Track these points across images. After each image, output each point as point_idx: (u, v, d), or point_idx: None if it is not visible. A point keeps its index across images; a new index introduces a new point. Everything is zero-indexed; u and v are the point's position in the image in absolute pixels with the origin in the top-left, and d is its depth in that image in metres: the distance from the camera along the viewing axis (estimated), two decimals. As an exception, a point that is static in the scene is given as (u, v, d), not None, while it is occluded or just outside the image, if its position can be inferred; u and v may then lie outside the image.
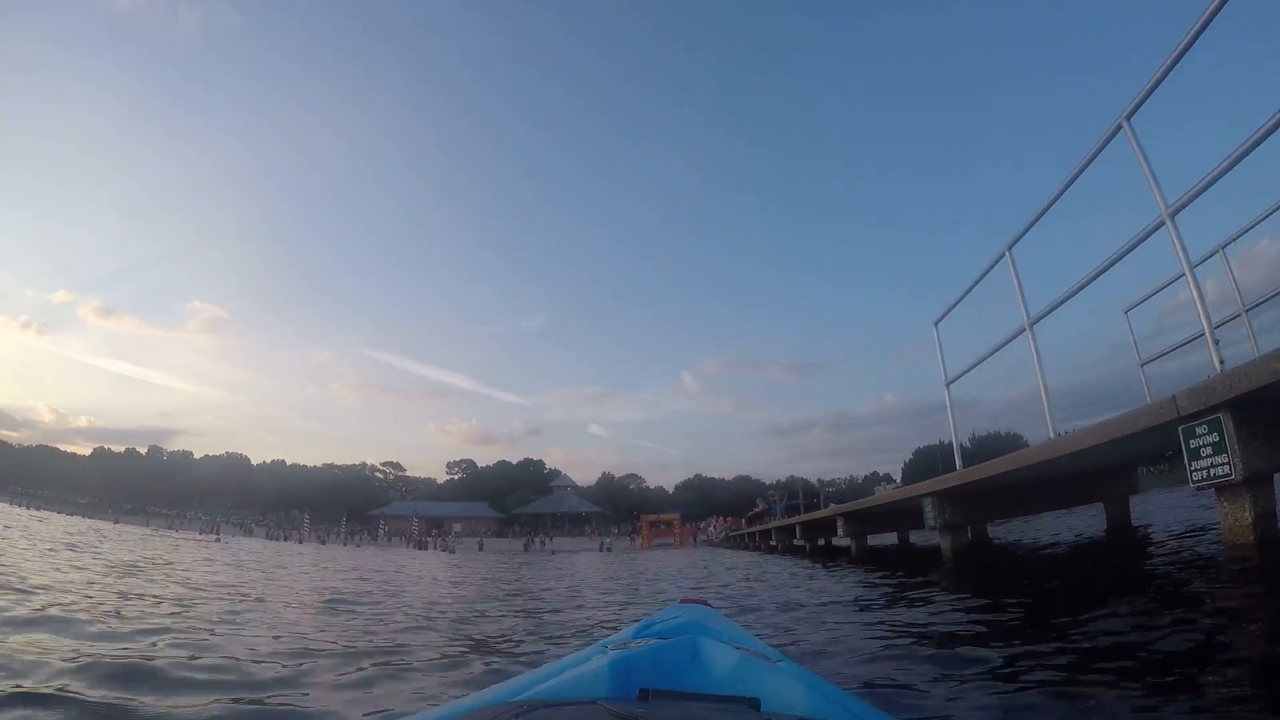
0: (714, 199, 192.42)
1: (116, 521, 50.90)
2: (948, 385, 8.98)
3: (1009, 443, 75.68)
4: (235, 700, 3.23)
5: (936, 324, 8.74)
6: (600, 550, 50.29)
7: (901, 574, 9.47)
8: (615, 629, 3.33)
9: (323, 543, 52.51)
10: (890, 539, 19.46)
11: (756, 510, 54.14)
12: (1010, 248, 7.29)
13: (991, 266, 7.60)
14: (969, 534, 10.43)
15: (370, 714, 3.19)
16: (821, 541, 23.09)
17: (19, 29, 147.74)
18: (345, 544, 52.84)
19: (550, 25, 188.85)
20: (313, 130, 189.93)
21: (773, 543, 31.53)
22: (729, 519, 64.33)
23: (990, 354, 7.85)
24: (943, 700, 2.82)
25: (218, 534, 44.94)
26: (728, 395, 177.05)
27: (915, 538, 19.13)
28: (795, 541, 27.63)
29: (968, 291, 8.08)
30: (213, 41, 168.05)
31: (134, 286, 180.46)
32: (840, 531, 16.82)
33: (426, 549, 49.90)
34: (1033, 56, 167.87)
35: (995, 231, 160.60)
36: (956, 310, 8.90)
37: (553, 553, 46.72)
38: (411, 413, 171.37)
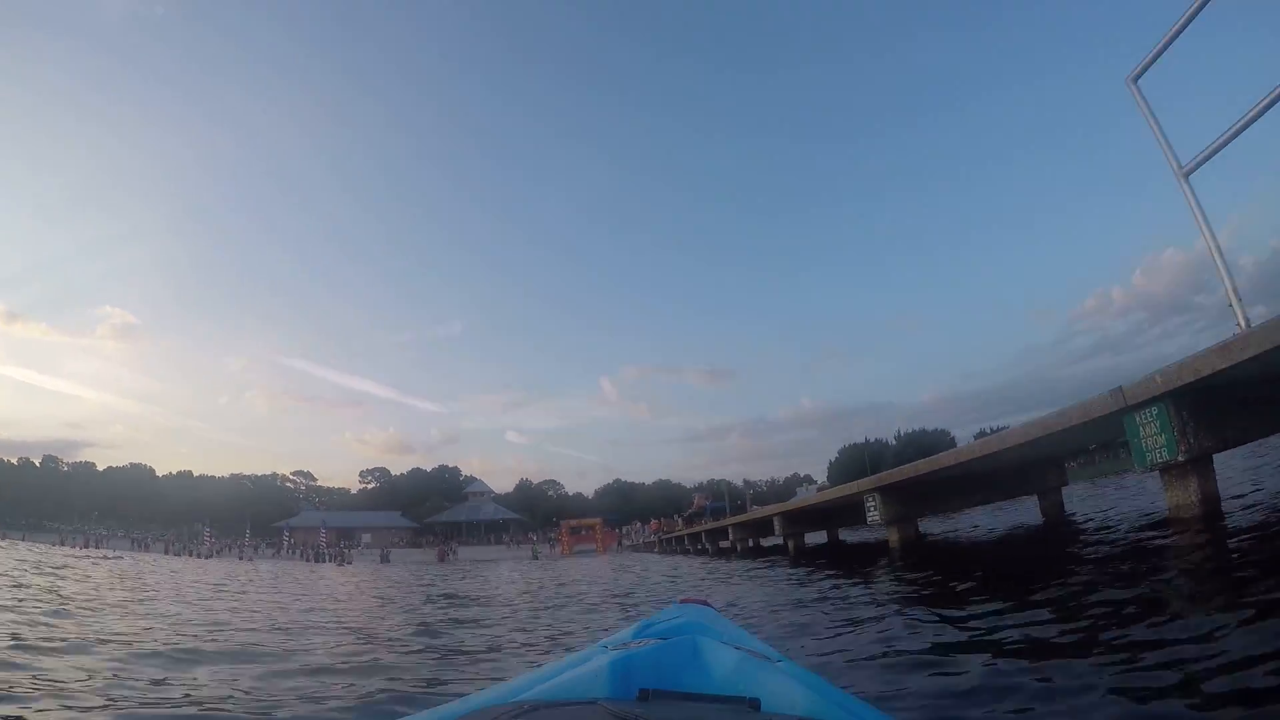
0: (631, 198, 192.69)
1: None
2: (1185, 176, 5.13)
3: (936, 438, 78.32)
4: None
5: (1134, 80, 5.59)
6: (533, 558, 48.57)
7: (862, 569, 9.60)
8: None
9: (203, 557, 49.91)
10: (821, 538, 19.90)
11: (695, 507, 49.94)
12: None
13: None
14: (917, 527, 10.88)
15: (370, 714, 3.29)
16: (751, 542, 23.66)
17: None
18: (241, 557, 51.04)
19: (462, 14, 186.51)
20: (223, 130, 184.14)
21: (702, 544, 31.98)
22: (663, 520, 61.22)
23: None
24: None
25: (94, 548, 43.13)
26: (646, 401, 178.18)
27: (845, 535, 19.83)
28: (723, 543, 28.17)
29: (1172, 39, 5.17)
30: (134, 29, 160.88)
31: (40, 289, 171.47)
32: (777, 530, 17.25)
33: (324, 561, 48.12)
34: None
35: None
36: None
37: (470, 563, 44.00)
38: (327, 422, 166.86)
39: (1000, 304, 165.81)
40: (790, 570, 11.54)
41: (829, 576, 9.16)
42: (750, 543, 23.34)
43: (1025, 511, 14.07)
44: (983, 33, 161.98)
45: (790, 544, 16.98)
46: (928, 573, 7.59)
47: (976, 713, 2.66)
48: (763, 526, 21.67)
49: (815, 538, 20.09)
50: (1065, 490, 11.97)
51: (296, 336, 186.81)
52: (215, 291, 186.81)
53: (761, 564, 15.10)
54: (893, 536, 10.41)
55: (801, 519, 17.32)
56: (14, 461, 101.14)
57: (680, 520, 48.56)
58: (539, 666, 1.84)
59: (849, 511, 15.42)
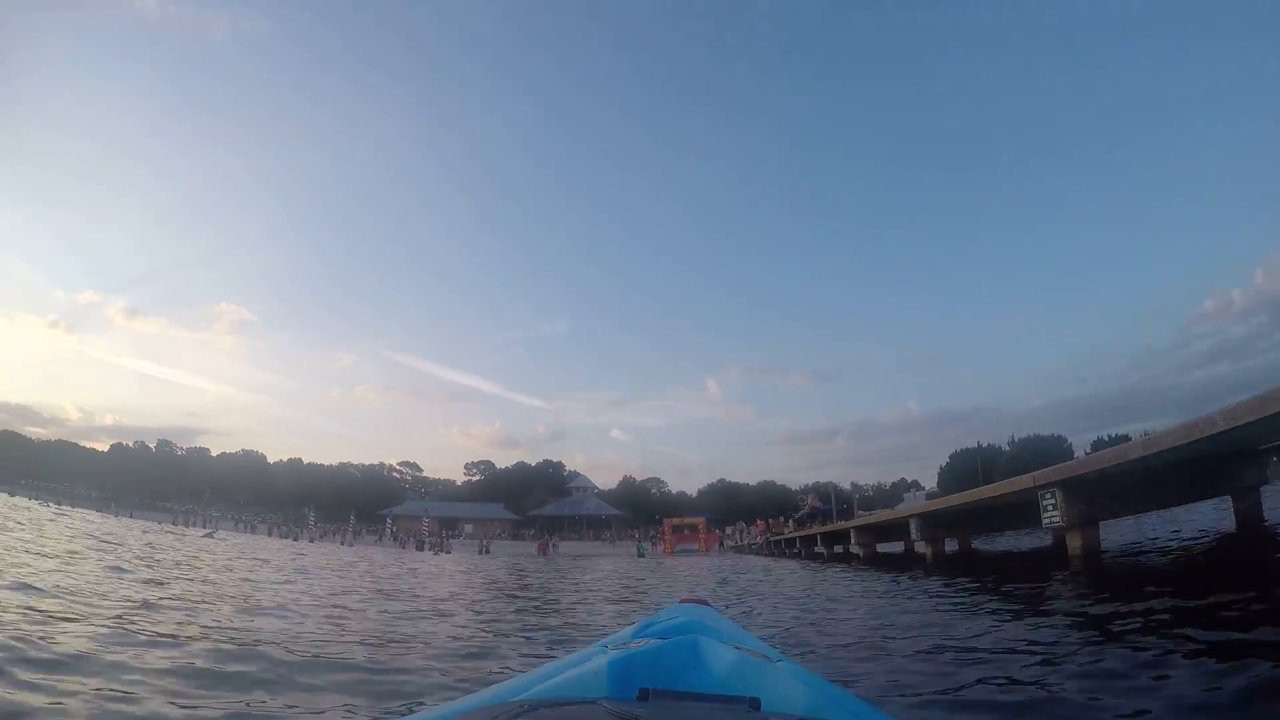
0: (739, 203, 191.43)
1: (119, 516, 52.27)
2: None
3: (1052, 445, 75.42)
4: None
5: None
6: (639, 556, 46.19)
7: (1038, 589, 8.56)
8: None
9: (308, 540, 52.21)
10: (953, 545, 18.27)
11: (808, 508, 46.21)
12: None
13: None
14: (1098, 533, 9.62)
15: (370, 714, 3.42)
16: (840, 548, 22.52)
17: (54, 30, 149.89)
18: (343, 543, 52.29)
19: (577, 29, 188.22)
20: (340, 134, 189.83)
21: (818, 548, 30.72)
22: (772, 521, 57.07)
23: None
24: None
25: (213, 531, 45.02)
26: (751, 402, 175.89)
27: (978, 542, 18.60)
28: (838, 549, 27.15)
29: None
30: (241, 47, 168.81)
31: (162, 288, 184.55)
32: (914, 534, 16.44)
33: (422, 549, 48.45)
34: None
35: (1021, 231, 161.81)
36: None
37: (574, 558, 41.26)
38: (435, 416, 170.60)
39: (1114, 304, 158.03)
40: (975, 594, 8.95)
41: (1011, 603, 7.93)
42: (840, 548, 22.59)
43: (1208, 516, 12.76)
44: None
45: (929, 551, 16.09)
46: (1156, 600, 5.83)
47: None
48: (885, 531, 20.76)
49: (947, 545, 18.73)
50: (1265, 489, 10.63)
51: (407, 333, 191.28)
52: (329, 290, 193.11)
53: (909, 578, 12.57)
54: (1074, 543, 9.18)
55: (941, 523, 16.24)
56: (131, 445, 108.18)
57: (791, 522, 46.06)
58: (539, 666, 1.87)
59: (993, 516, 14.46)
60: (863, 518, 26.81)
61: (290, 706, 3.66)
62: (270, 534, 56.77)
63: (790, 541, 38.59)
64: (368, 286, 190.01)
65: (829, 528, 30.65)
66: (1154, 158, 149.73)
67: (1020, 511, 10.40)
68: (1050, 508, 9.37)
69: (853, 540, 23.34)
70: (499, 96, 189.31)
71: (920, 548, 16.64)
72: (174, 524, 51.32)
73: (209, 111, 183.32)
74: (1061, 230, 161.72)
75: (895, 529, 19.31)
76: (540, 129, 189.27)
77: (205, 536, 34.53)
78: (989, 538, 19.15)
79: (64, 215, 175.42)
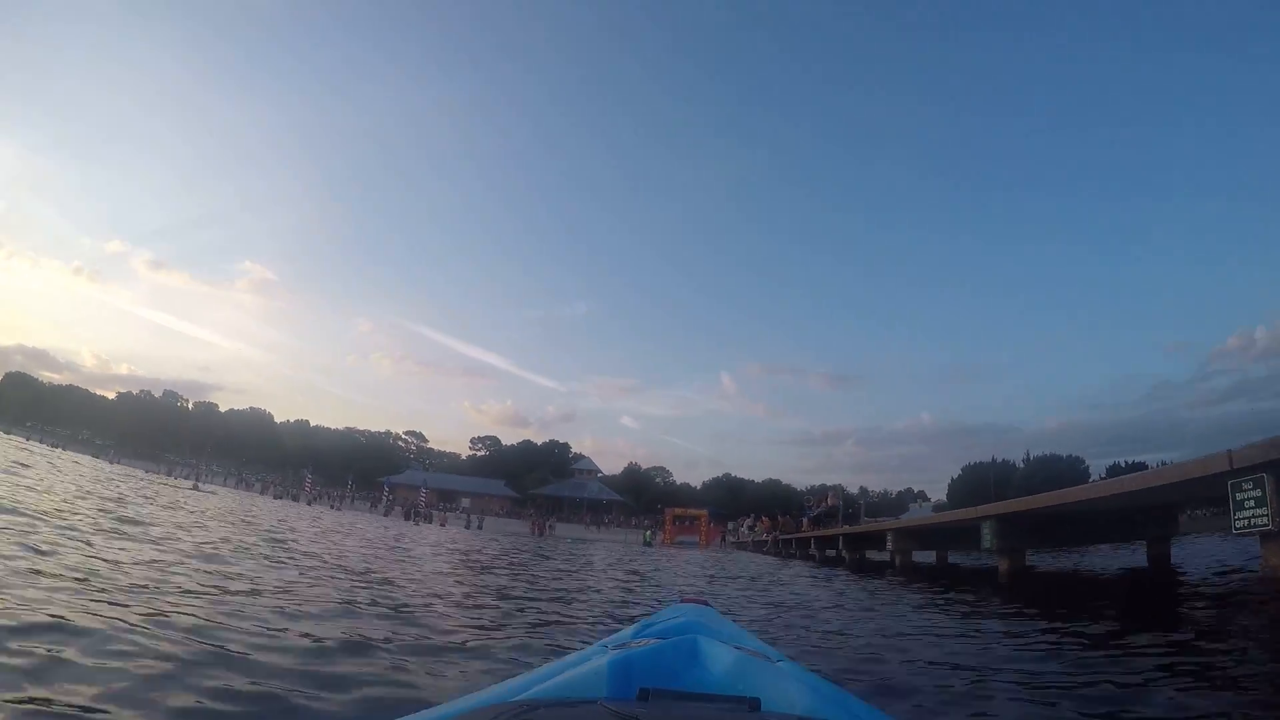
0: (774, 195, 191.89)
1: (113, 463, 52.84)
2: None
3: (1069, 465, 76.30)
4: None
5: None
6: (644, 544, 46.22)
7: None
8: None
9: (305, 502, 52.47)
10: (929, 557, 20.30)
11: (828, 506, 45.32)
12: None
13: None
14: (1024, 558, 11.44)
15: (370, 714, 3.45)
16: (839, 552, 23.90)
17: None
18: (333, 507, 53.76)
19: (602, 28, 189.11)
20: (373, 103, 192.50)
21: (811, 551, 31.09)
22: (782, 518, 53.04)
23: None
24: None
25: (197, 484, 43.76)
26: (764, 399, 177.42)
27: (953, 557, 20.23)
28: (829, 552, 27.82)
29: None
30: (273, 5, 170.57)
31: (187, 242, 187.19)
32: (889, 545, 17.78)
33: (410, 520, 48.11)
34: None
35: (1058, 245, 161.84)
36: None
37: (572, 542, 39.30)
38: (447, 389, 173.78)
39: (1135, 332, 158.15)
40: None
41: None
42: (839, 554, 23.22)
43: (1128, 557, 14.33)
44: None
45: (898, 560, 17.54)
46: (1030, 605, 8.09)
47: None
48: (872, 540, 22.00)
49: (923, 556, 20.04)
50: (1178, 542, 12.35)
51: (426, 304, 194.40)
52: (352, 256, 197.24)
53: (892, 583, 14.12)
54: (1002, 565, 11.00)
55: (913, 537, 17.79)
56: (137, 393, 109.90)
57: (806, 521, 43.98)
58: (539, 666, 1.89)
59: (962, 535, 15.81)
60: (847, 527, 27.34)
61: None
62: (264, 492, 57.09)
63: (804, 542, 35.94)
64: (390, 255, 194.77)
65: (829, 532, 29.47)
66: (1191, 193, 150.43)
67: (971, 535, 12.03)
68: (987, 535, 11.16)
69: (840, 546, 24.76)
70: (535, 75, 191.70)
71: (889, 558, 18.21)
72: (166, 475, 52.29)
73: (251, 67, 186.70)
74: (1093, 257, 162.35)
75: (874, 539, 20.62)
76: (575, 109, 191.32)
77: (191, 490, 34.87)
78: (966, 553, 20.58)
79: (93, 165, 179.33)
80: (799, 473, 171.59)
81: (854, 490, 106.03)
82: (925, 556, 20.19)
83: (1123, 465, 71.80)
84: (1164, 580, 10.16)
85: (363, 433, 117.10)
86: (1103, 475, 66.30)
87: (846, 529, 26.10)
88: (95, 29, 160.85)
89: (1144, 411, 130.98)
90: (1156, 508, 10.92)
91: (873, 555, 23.96)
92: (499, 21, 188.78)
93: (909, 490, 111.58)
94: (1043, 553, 15.81)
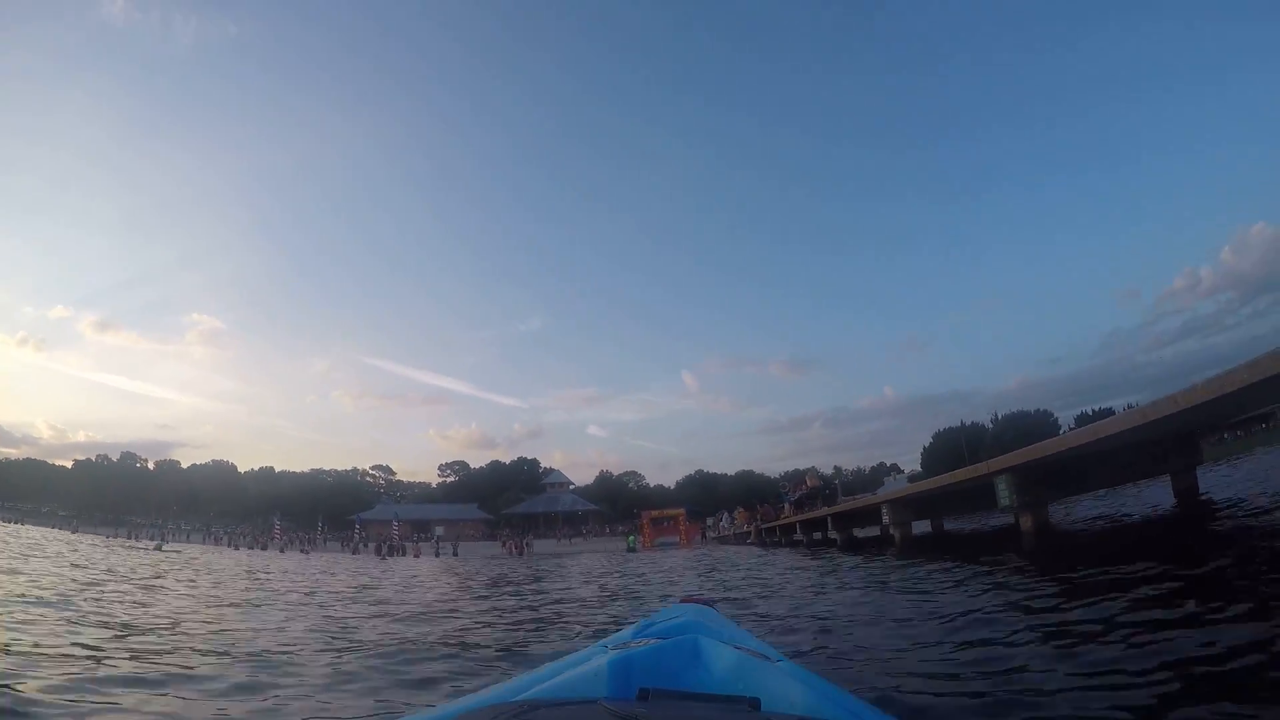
0: (714, 193, 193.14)
1: (75, 532, 51.96)
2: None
3: (1038, 420, 76.43)
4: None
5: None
6: (628, 550, 45.47)
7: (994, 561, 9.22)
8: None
9: (277, 550, 51.81)
10: (925, 527, 19.55)
11: (809, 489, 40.39)
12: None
13: None
14: (1048, 512, 10.72)
15: (371, 714, 3.42)
16: (826, 534, 23.22)
17: (17, 39, 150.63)
18: (303, 551, 53.12)
19: (539, 40, 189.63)
20: (307, 140, 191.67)
21: (797, 536, 30.81)
22: (761, 507, 50.90)
23: None
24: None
25: (160, 544, 42.86)
26: (728, 393, 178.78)
27: (950, 524, 19.64)
28: (817, 535, 27.52)
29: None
30: (207, 53, 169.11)
31: (131, 300, 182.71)
32: (885, 519, 17.23)
33: (382, 555, 46.29)
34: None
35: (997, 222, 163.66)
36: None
37: (555, 558, 36.88)
38: (410, 420, 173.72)
39: (1083, 285, 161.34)
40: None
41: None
42: (825, 534, 22.72)
43: (1152, 495, 13.76)
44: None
45: (897, 534, 16.98)
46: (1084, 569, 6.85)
47: None
48: (861, 517, 21.48)
49: (919, 527, 19.18)
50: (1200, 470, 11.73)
51: (380, 337, 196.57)
52: (299, 296, 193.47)
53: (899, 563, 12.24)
54: (1025, 523, 10.25)
55: (910, 507, 17.22)
56: (94, 459, 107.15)
57: (788, 506, 41.96)
58: (539, 666, 1.87)
59: (972, 496, 15.46)
60: (834, 506, 26.52)
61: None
62: (232, 545, 55.42)
63: (789, 528, 34.59)
64: (339, 292, 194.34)
65: (848, 506, 25.38)
66: (1117, 140, 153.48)
67: (985, 493, 11.28)
68: (1003, 492, 10.42)
69: (830, 526, 24.18)
70: (468, 107, 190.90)
71: (883, 531, 17.77)
72: (127, 538, 51.22)
73: (173, 118, 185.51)
74: (1025, 209, 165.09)
75: (862, 515, 20.10)
76: (508, 124, 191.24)
77: (155, 550, 34.63)
78: (959, 518, 20.14)
79: (31, 229, 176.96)
80: (771, 460, 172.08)
81: (828, 471, 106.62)
82: (920, 526, 19.14)
83: (1089, 414, 72.27)
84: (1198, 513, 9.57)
85: (329, 472, 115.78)
86: (1072, 425, 66.81)
87: (836, 507, 25.14)
88: (22, 84, 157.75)
89: (1101, 361, 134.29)
90: (1179, 437, 10.32)
91: (859, 533, 23.30)
92: (429, 47, 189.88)
93: (881, 465, 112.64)
94: (1055, 504, 15.13)
